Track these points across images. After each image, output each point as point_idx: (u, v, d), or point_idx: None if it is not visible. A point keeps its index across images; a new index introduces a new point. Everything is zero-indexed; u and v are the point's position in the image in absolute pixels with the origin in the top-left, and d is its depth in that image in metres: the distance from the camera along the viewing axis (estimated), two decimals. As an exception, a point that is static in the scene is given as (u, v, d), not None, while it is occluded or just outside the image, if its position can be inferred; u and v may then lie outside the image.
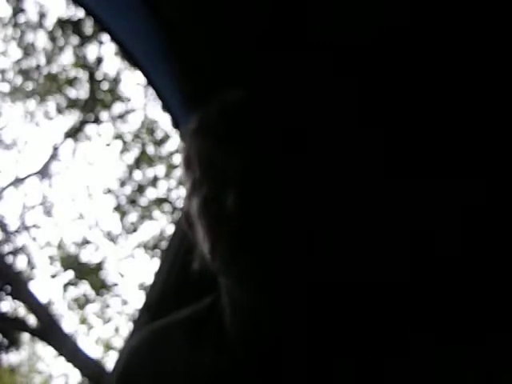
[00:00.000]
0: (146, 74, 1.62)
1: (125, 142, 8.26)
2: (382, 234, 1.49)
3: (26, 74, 8.02)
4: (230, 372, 1.06)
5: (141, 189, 8.31)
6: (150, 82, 1.64)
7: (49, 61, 7.97)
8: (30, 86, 8.10)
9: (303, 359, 1.05)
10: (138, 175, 8.36)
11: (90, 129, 8.36)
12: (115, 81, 8.08)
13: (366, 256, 1.46)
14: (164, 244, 8.22)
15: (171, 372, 1.10)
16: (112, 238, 8.51)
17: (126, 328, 8.41)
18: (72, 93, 8.11)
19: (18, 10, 7.65)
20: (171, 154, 8.28)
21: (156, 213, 8.42)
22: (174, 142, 8.26)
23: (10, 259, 7.90)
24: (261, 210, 0.99)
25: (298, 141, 1.07)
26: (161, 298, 1.70)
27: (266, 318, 1.06)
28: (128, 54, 1.62)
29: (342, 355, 1.04)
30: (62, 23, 7.63)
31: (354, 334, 1.05)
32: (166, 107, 1.67)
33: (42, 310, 7.52)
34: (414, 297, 1.31)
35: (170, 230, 8.26)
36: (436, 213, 1.49)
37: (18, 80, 8.09)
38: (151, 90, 8.03)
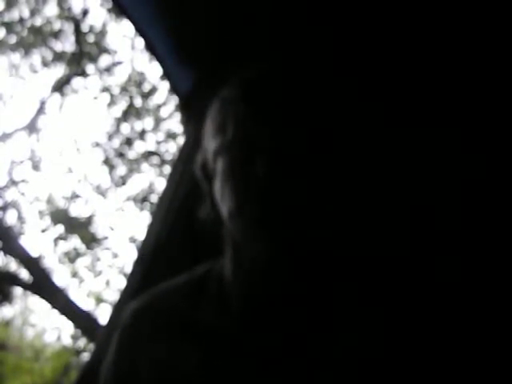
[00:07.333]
0: (135, 24, 1.59)
1: (112, 95, 8.20)
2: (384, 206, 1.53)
3: (9, 26, 7.89)
4: (231, 329, 1.13)
5: (129, 142, 8.28)
6: (140, 32, 1.62)
7: (32, 13, 7.84)
8: (13, 38, 7.97)
9: (299, 315, 1.11)
10: (125, 128, 8.32)
11: (76, 82, 8.29)
12: (101, 33, 7.98)
13: (369, 229, 1.50)
14: (153, 197, 8.23)
15: (174, 333, 1.16)
16: (101, 191, 8.50)
17: (117, 281, 8.47)
18: (57, 45, 8.01)
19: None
20: (159, 106, 8.24)
21: (144, 166, 8.41)
22: (162, 94, 8.22)
23: (-1, 214, 7.91)
24: (287, 177, 1.07)
25: (325, 114, 1.15)
26: (154, 250, 1.71)
27: (274, 271, 1.12)
28: (117, 2, 1.60)
29: (337, 313, 1.11)
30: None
31: (348, 293, 1.13)
32: (157, 57, 1.66)
33: (33, 264, 7.55)
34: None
35: (159, 182, 8.29)
36: (435, 182, 1.52)
37: (1, 33, 7.96)
38: (138, 42, 7.95)
